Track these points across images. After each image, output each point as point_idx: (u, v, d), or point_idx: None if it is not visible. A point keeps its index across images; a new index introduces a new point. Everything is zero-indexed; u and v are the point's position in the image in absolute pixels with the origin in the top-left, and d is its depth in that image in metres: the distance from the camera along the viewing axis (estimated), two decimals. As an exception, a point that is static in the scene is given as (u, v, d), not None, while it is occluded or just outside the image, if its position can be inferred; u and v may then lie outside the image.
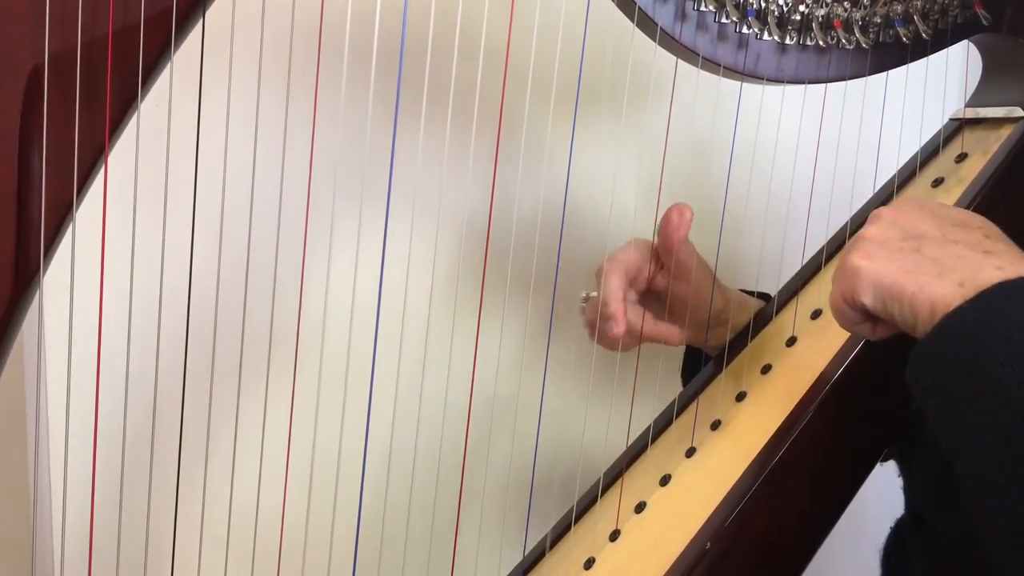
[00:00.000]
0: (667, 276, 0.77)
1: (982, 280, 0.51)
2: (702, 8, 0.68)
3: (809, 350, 0.72)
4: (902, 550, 0.74)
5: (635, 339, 0.78)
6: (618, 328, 0.74)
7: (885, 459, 0.74)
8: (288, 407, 0.70)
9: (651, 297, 0.80)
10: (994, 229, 0.56)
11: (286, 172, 0.67)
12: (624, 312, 0.75)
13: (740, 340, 0.79)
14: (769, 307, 0.79)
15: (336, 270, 0.81)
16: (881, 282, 0.54)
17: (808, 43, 0.70)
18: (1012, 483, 0.48)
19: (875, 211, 0.59)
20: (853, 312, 0.57)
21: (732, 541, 0.64)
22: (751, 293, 0.84)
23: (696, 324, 0.79)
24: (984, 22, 0.73)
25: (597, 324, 0.76)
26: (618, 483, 0.76)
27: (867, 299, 0.55)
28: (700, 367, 0.81)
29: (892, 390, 0.68)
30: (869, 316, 0.57)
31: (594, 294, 0.78)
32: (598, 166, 0.97)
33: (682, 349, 0.88)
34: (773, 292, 0.80)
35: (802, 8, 0.70)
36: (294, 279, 0.74)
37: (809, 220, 0.78)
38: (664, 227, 0.75)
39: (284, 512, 0.71)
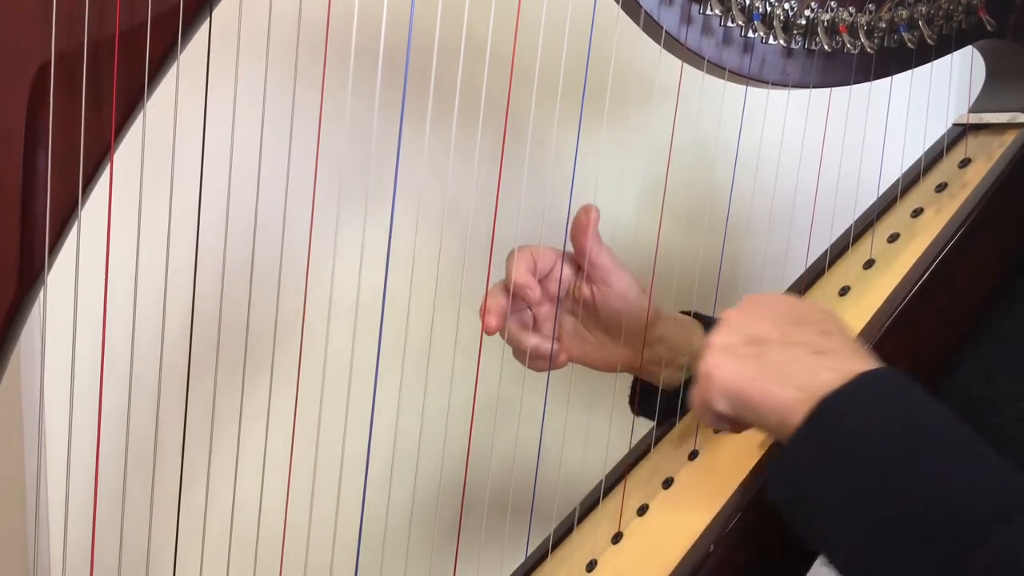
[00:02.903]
0: (589, 283, 0.76)
1: (819, 385, 0.54)
2: (708, 12, 0.68)
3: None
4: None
5: (567, 352, 0.78)
6: (534, 293, 0.73)
7: None
8: (291, 407, 0.70)
9: (587, 319, 0.78)
10: (830, 322, 0.60)
11: (291, 172, 0.68)
12: (537, 286, 0.74)
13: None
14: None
15: (340, 270, 0.81)
16: (729, 390, 0.57)
17: (813, 47, 0.71)
18: None
19: (723, 312, 0.62)
20: (712, 414, 0.59)
21: (735, 544, 0.64)
22: (687, 314, 0.82)
23: (631, 336, 0.77)
24: (988, 28, 0.73)
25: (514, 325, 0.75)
26: (620, 485, 0.76)
27: (720, 406, 0.58)
28: (655, 396, 0.79)
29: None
30: (723, 417, 0.59)
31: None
32: (603, 168, 0.97)
33: None
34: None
35: (807, 13, 0.70)
36: (298, 279, 0.74)
37: (813, 224, 0.78)
38: (573, 228, 0.75)
39: (287, 511, 0.71)
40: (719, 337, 0.59)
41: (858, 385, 0.53)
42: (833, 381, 0.54)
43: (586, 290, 0.76)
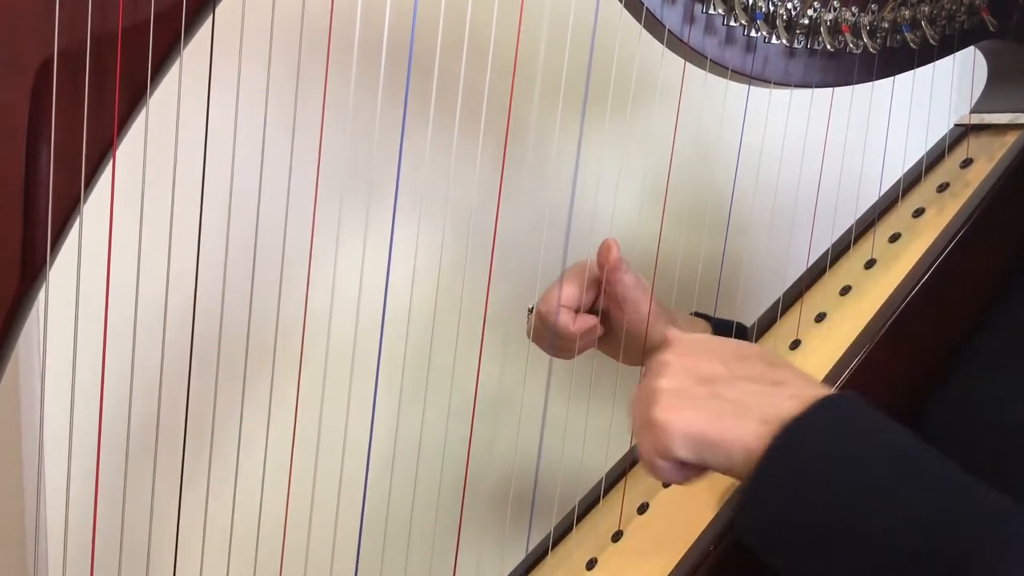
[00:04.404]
0: (605, 299, 0.77)
1: (781, 414, 0.52)
2: (710, 11, 0.68)
3: (814, 353, 0.72)
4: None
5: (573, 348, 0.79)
6: (570, 328, 0.75)
7: None
8: (292, 405, 0.70)
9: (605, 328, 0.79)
10: (772, 354, 0.59)
11: (294, 171, 0.67)
12: (570, 320, 0.75)
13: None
14: (773, 310, 0.79)
15: (342, 270, 0.81)
16: (691, 433, 0.54)
17: (816, 47, 0.71)
18: None
19: (658, 359, 0.59)
20: (668, 464, 0.56)
21: (736, 543, 0.64)
22: (706, 317, 0.83)
23: (631, 350, 0.78)
24: (991, 28, 0.73)
25: (536, 328, 0.76)
26: (621, 483, 0.76)
27: (681, 452, 0.55)
28: None
29: (896, 394, 0.68)
30: (682, 465, 0.57)
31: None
32: (604, 168, 0.97)
33: None
34: (777, 295, 0.80)
35: (810, 12, 0.70)
36: (300, 278, 0.74)
37: (814, 223, 0.78)
38: (598, 259, 0.75)
39: (287, 508, 0.71)
40: (667, 381, 0.57)
41: (822, 409, 0.52)
42: (795, 408, 0.52)
43: (602, 304, 0.77)
